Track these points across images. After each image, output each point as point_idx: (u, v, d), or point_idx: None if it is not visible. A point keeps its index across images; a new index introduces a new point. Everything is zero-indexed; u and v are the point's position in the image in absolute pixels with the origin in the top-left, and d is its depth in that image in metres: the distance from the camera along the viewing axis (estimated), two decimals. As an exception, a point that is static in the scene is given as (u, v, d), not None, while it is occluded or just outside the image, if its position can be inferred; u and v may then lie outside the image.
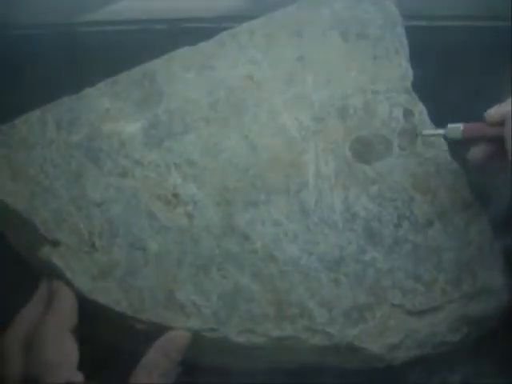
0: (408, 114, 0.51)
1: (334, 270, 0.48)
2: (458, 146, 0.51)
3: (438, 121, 0.52)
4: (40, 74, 0.55)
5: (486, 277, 0.49)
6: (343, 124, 0.51)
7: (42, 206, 0.48)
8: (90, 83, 0.51)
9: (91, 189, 0.49)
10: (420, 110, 0.52)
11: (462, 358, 0.49)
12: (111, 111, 0.50)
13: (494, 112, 0.47)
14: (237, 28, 0.52)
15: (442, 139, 0.50)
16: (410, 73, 0.53)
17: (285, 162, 0.50)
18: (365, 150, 0.51)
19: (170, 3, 0.59)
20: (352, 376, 0.49)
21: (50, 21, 0.58)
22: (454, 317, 0.48)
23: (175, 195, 0.49)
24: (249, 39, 0.52)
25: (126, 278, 0.47)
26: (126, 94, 0.51)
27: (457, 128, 0.48)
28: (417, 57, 0.53)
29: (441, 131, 0.49)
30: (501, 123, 0.47)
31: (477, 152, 0.49)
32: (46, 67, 0.56)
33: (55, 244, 0.48)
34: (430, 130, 0.50)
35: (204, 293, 0.47)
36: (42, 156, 0.49)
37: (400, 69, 0.53)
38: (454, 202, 0.50)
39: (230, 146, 0.50)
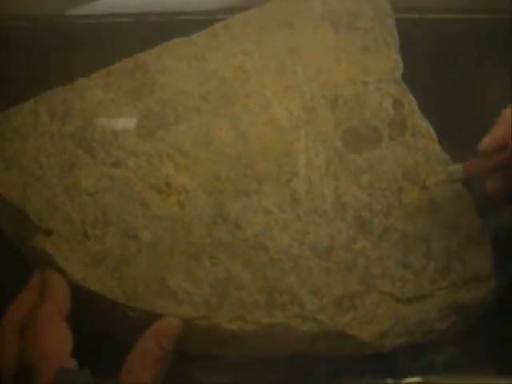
0: (398, 104, 0.52)
1: (324, 258, 0.49)
2: (447, 138, 0.52)
3: (428, 111, 0.52)
4: (34, 65, 0.56)
5: (475, 265, 0.49)
6: (334, 114, 0.51)
7: (36, 196, 0.48)
8: (84, 75, 0.51)
9: (84, 178, 0.49)
10: (409, 101, 0.52)
11: (450, 343, 0.50)
12: (104, 102, 0.51)
13: (489, 143, 0.47)
14: (229, 19, 0.53)
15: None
16: (400, 64, 0.53)
17: (276, 151, 0.50)
18: (355, 140, 0.51)
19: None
20: (342, 363, 0.50)
21: (44, 13, 0.59)
22: (442, 304, 0.49)
23: (167, 184, 0.49)
24: (241, 30, 0.52)
25: (119, 266, 0.47)
26: (119, 85, 0.51)
27: (457, 169, 0.49)
28: (407, 48, 0.53)
29: (443, 178, 0.49)
30: (499, 150, 0.47)
31: (492, 183, 0.48)
32: (40, 59, 0.56)
33: (48, 233, 0.48)
34: (433, 180, 0.50)
35: (196, 281, 0.47)
36: (35, 146, 0.50)
37: (390, 60, 0.53)
38: (443, 192, 0.50)
39: (221, 135, 0.50)
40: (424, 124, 0.52)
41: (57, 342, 0.44)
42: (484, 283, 0.49)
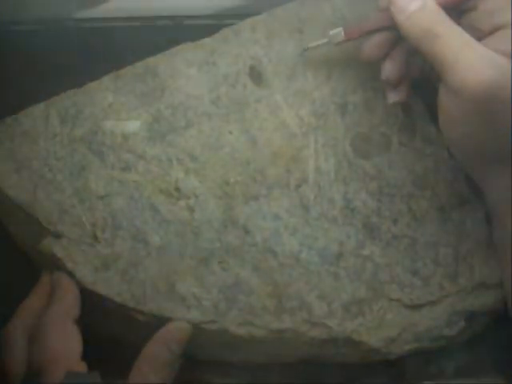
0: (407, 110, 0.52)
1: (333, 264, 0.49)
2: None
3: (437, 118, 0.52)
4: (43, 69, 0.56)
5: (483, 271, 0.49)
6: (343, 120, 0.52)
7: (45, 199, 0.49)
8: (95, 79, 0.51)
9: (94, 182, 0.49)
10: (419, 107, 0.52)
11: (459, 350, 0.50)
12: (114, 105, 0.51)
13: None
14: (239, 24, 0.53)
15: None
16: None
17: (285, 157, 0.50)
18: (364, 146, 0.51)
19: (173, 0, 0.59)
20: (349, 369, 0.50)
21: (53, 16, 0.59)
22: (451, 311, 0.49)
23: (177, 189, 0.50)
24: (250, 35, 0.52)
25: (128, 269, 0.47)
26: (129, 89, 0.51)
27: (338, 32, 0.49)
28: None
29: (325, 41, 0.50)
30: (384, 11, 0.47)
31: (368, 47, 0.48)
32: (50, 62, 0.56)
33: (57, 236, 0.48)
34: (314, 43, 0.50)
35: (204, 285, 0.47)
36: (45, 149, 0.50)
37: (400, 66, 0.53)
38: (452, 198, 0.51)
39: (231, 140, 0.51)
40: (433, 130, 0.52)
41: (66, 345, 0.44)
42: (493, 290, 0.49)
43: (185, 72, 0.52)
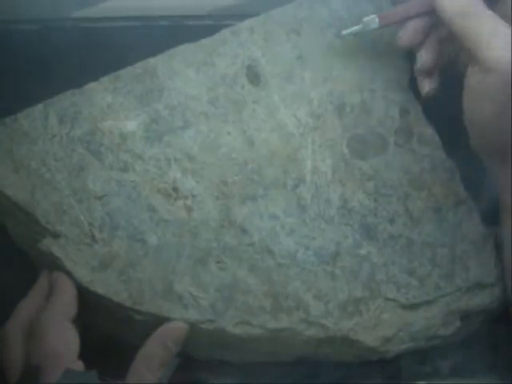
0: (404, 112, 0.52)
1: (330, 263, 0.49)
2: (452, 145, 0.52)
3: (434, 119, 0.53)
4: (42, 69, 0.56)
5: (479, 271, 0.50)
6: (340, 121, 0.52)
7: (44, 199, 0.49)
8: (94, 79, 0.52)
9: (92, 182, 0.49)
10: (416, 109, 0.53)
11: (454, 349, 0.50)
12: (113, 106, 0.51)
13: None
14: (237, 25, 0.53)
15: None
16: (407, 72, 0.54)
17: (282, 157, 0.51)
18: (361, 147, 0.52)
19: (172, 0, 0.59)
20: (346, 368, 0.50)
21: (52, 16, 0.59)
22: (447, 311, 0.49)
23: (175, 189, 0.50)
24: (249, 36, 0.53)
25: (126, 269, 0.48)
26: (128, 89, 0.51)
27: (372, 19, 0.50)
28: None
29: (358, 27, 0.50)
30: None
31: (405, 34, 0.49)
32: (48, 62, 0.56)
33: (56, 236, 0.48)
34: (349, 30, 0.51)
35: (202, 285, 0.48)
36: (43, 149, 0.50)
37: (397, 68, 0.53)
38: (448, 199, 0.51)
39: (228, 141, 0.51)
40: (429, 131, 0.53)
41: (63, 343, 0.44)
42: (488, 290, 0.50)
43: (183, 73, 0.52)
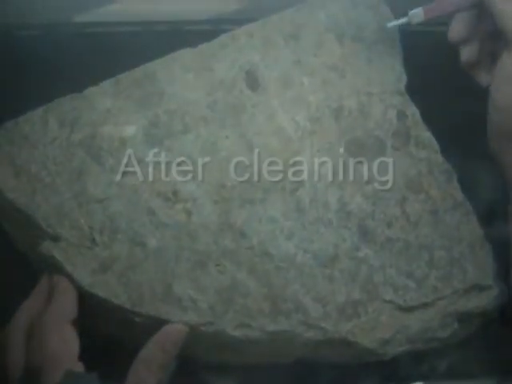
0: (401, 115, 0.53)
1: (328, 266, 0.49)
2: (449, 148, 0.53)
3: (431, 122, 0.53)
4: (42, 74, 0.56)
5: (477, 274, 0.50)
6: (338, 125, 0.52)
7: (44, 202, 0.49)
8: (94, 83, 0.52)
9: (92, 186, 0.50)
10: (412, 112, 0.53)
11: (451, 350, 0.50)
12: (113, 110, 0.51)
13: None
14: (236, 30, 0.54)
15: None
16: (404, 76, 0.54)
17: (281, 161, 0.51)
18: (359, 150, 0.52)
19: (172, 6, 0.60)
20: (344, 370, 0.50)
21: (52, 21, 0.59)
22: (444, 313, 0.49)
23: (174, 193, 0.50)
24: (247, 41, 0.53)
25: (126, 272, 0.48)
26: (128, 94, 0.52)
27: (417, 12, 0.50)
28: (410, 60, 0.54)
29: (404, 19, 0.51)
30: None
31: (456, 27, 0.50)
32: (48, 67, 0.57)
33: (56, 239, 0.49)
34: (395, 22, 0.52)
35: (201, 287, 0.48)
36: (44, 153, 0.50)
37: (394, 72, 0.54)
38: (445, 201, 0.51)
39: (227, 145, 0.51)
40: (426, 135, 0.53)
41: (64, 345, 0.45)
42: (486, 292, 0.50)
43: (183, 77, 0.52)
